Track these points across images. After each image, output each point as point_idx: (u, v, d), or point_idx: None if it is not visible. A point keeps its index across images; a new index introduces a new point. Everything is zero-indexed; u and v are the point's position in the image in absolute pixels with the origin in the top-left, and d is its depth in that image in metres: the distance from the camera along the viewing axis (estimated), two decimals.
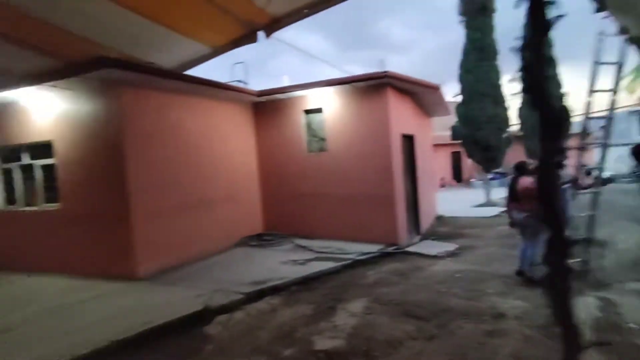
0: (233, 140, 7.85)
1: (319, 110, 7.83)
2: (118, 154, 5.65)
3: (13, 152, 6.77)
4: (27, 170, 6.69)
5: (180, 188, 6.49)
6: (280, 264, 6.17)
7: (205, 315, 4.24)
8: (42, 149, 6.39)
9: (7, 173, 6.93)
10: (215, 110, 7.44)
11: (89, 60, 5.00)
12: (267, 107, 8.35)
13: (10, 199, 6.94)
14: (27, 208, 6.72)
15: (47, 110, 6.22)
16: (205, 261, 6.52)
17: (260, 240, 7.68)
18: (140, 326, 3.92)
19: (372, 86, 7.19)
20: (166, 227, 6.16)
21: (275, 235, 7.86)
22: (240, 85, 8.54)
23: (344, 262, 6.14)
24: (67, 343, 3.69)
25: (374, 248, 6.89)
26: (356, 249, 6.82)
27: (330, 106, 7.67)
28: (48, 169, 6.42)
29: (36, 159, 6.54)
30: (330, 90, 7.52)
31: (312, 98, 7.84)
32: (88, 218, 5.99)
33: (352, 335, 3.65)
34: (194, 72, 7.84)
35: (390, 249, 6.93)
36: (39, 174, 6.56)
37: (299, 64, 77.55)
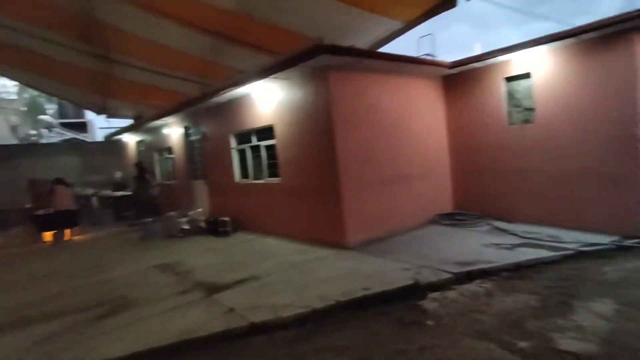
0: (425, 116, 7.66)
1: (525, 76, 6.78)
2: (328, 133, 6.23)
3: (246, 135, 8.39)
4: (255, 150, 8.20)
5: (379, 164, 6.76)
6: (482, 246, 5.75)
7: (416, 290, 4.34)
8: (266, 132, 7.68)
9: (242, 152, 8.64)
10: (407, 87, 7.37)
11: (308, 50, 5.58)
12: (458, 79, 7.77)
13: (244, 174, 8.68)
14: (256, 181, 8.27)
15: (269, 99, 7.39)
16: (404, 236, 6.67)
17: (452, 219, 7.36)
18: (361, 291, 4.30)
19: (608, 36, 5.71)
20: (368, 201, 6.55)
21: (469, 215, 7.39)
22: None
23: (563, 252, 5.26)
24: (304, 295, 4.37)
25: (601, 239, 5.66)
26: (574, 238, 5.76)
27: (542, 70, 6.52)
28: (270, 149, 7.69)
29: (261, 140, 7.91)
30: (543, 49, 6.37)
31: (516, 63, 6.84)
32: (303, 191, 6.93)
33: (607, 342, 3.04)
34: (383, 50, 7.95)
35: (629, 242, 5.56)
36: (263, 153, 7.93)
37: (472, 32, 69.55)
